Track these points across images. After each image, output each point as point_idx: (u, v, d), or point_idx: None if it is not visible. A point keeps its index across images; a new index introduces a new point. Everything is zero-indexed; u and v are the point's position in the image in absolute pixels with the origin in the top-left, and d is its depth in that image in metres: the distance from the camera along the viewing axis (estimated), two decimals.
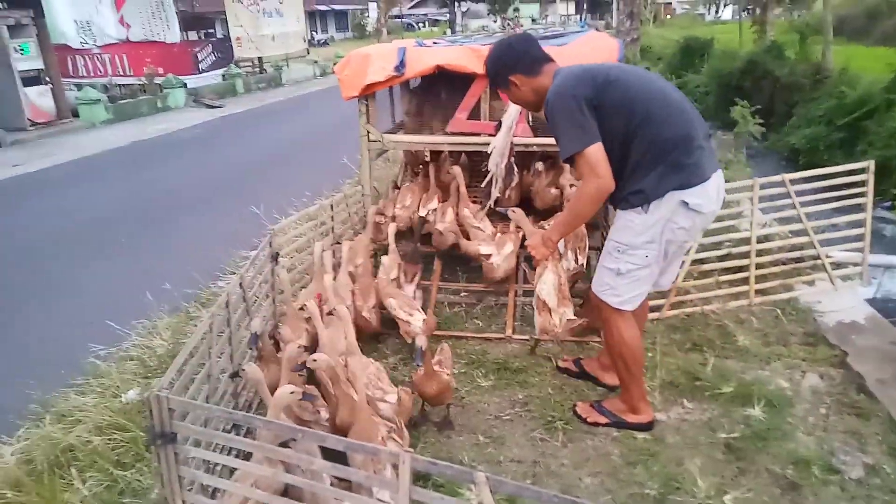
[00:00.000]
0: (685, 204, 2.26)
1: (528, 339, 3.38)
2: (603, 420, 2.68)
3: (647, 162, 2.28)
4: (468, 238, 3.77)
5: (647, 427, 2.64)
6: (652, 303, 3.55)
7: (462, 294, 3.93)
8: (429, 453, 2.54)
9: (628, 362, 2.56)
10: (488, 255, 3.59)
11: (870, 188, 3.63)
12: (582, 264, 3.52)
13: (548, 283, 2.99)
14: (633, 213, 2.34)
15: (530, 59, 2.47)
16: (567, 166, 3.85)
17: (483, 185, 4.03)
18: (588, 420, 2.70)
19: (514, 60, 2.48)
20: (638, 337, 2.56)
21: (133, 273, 4.99)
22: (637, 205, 2.31)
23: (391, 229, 3.65)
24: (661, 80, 2.49)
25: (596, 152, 2.25)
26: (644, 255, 2.36)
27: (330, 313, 2.69)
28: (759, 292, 3.66)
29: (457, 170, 3.86)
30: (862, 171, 3.64)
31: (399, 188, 4.44)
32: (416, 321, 3.16)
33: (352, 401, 2.18)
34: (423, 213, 4.00)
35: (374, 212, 3.97)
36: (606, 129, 2.28)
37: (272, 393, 2.13)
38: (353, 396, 2.19)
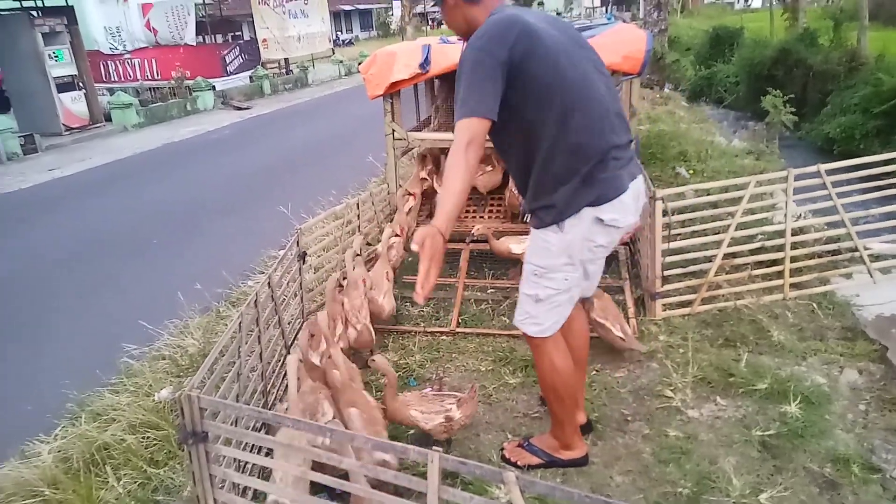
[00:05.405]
0: (600, 221, 2.03)
1: None
2: (535, 461, 2.43)
3: (559, 172, 2.01)
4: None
5: (581, 463, 2.42)
6: (682, 298, 3.50)
7: (489, 290, 3.91)
8: (456, 451, 2.53)
9: (561, 393, 2.31)
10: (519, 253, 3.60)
11: None
12: None
13: None
14: (548, 233, 2.08)
15: None
16: None
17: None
18: (519, 463, 2.43)
19: None
20: (571, 365, 2.29)
21: (165, 273, 5.08)
22: (551, 222, 2.06)
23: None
24: (585, 58, 2.07)
25: (479, 129, 1.87)
26: (563, 279, 2.12)
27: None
28: (794, 286, 3.57)
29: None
30: None
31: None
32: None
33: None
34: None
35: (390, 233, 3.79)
36: (514, 107, 1.94)
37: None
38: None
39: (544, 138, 1.99)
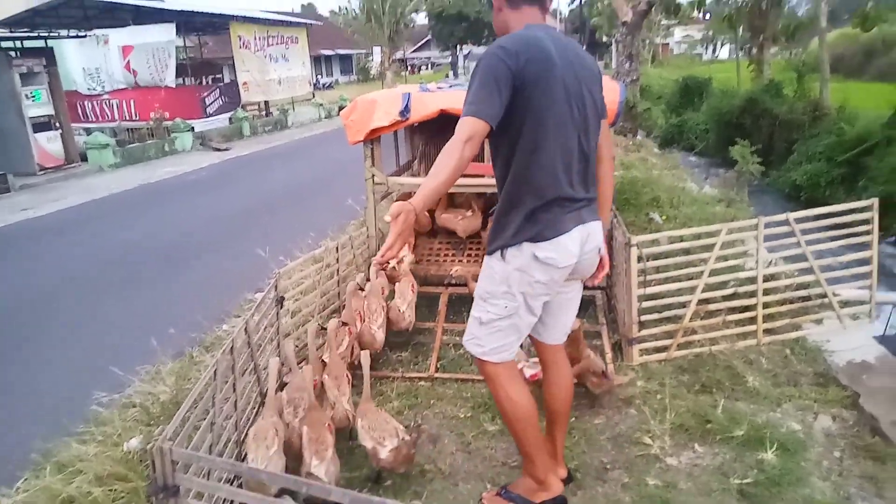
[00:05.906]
0: (536, 257, 2.11)
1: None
2: None
3: (512, 198, 2.13)
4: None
5: (559, 502, 2.40)
6: (658, 343, 3.53)
7: None
8: (436, 502, 2.49)
9: (522, 425, 2.30)
10: None
11: (875, 225, 3.63)
12: None
13: None
14: (494, 260, 2.20)
15: None
16: None
17: None
18: None
19: None
20: (528, 396, 2.30)
21: (138, 317, 4.99)
22: (496, 251, 2.17)
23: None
24: (579, 116, 2.11)
25: (480, 129, 1.95)
26: (503, 306, 2.18)
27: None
28: (766, 332, 3.63)
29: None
30: (866, 208, 3.65)
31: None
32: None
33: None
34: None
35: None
36: (504, 120, 2.01)
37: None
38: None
39: (515, 161, 2.10)
